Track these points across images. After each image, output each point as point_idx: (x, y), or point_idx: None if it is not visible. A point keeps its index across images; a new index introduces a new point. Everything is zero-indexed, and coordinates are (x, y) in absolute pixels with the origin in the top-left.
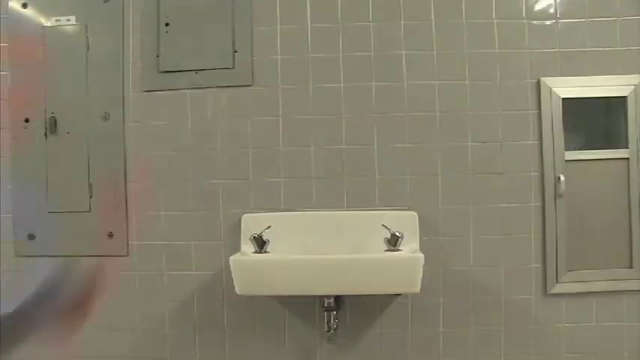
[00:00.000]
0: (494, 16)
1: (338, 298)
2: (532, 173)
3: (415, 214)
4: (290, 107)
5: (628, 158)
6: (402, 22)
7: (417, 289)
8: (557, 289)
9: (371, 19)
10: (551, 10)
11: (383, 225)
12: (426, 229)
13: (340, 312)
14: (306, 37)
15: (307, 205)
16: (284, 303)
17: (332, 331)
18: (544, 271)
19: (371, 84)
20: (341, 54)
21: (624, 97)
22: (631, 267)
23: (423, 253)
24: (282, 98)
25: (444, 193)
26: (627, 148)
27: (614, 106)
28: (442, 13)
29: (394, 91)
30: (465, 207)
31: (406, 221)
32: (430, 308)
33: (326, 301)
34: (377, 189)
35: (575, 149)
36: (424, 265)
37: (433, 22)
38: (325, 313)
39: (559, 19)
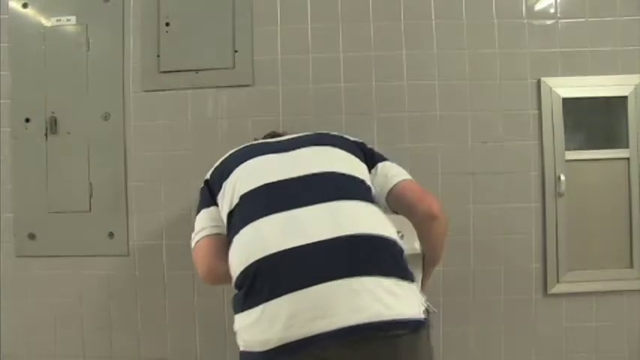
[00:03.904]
0: (494, 16)
1: None
2: (532, 173)
3: None
4: (290, 107)
5: (628, 158)
6: (402, 22)
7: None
8: (558, 289)
9: (371, 19)
10: (551, 10)
11: None
12: None
13: None
14: (306, 37)
15: None
16: None
17: None
18: (544, 271)
19: (371, 84)
20: (341, 54)
21: (624, 97)
22: (631, 267)
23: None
24: (282, 98)
25: (444, 193)
26: (627, 148)
27: (614, 106)
28: (442, 13)
29: (394, 91)
30: (465, 207)
31: (406, 221)
32: None
33: None
34: None
35: (575, 149)
36: None
37: (433, 22)
38: None
39: (559, 19)
